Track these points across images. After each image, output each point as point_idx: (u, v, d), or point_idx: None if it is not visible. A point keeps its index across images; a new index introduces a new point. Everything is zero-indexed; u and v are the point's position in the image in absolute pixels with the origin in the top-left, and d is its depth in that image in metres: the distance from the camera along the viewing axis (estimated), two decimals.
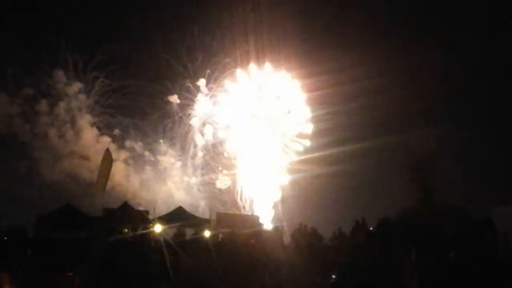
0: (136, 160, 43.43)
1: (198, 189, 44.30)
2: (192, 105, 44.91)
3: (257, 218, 35.47)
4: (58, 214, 31.03)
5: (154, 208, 33.49)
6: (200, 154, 44.67)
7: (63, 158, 41.58)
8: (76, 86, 42.82)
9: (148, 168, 43.66)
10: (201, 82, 44.75)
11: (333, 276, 29.24)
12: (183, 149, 44.82)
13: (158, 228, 31.50)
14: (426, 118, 40.63)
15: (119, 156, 42.96)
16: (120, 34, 42.05)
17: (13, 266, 25.61)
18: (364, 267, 26.02)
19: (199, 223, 33.15)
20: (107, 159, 29.72)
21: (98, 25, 41.61)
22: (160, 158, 44.25)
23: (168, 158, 44.44)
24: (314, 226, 33.47)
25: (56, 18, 40.94)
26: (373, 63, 41.66)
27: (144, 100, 43.89)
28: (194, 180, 44.55)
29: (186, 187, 44.21)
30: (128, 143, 43.65)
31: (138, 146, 43.70)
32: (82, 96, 43.14)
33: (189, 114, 44.84)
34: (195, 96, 44.82)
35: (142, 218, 32.13)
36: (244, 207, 42.79)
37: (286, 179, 43.94)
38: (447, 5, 43.45)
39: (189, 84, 44.57)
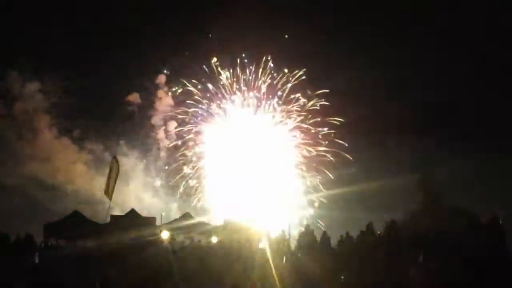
0: (97, 162, 41.91)
1: (165, 193, 43.37)
2: (153, 104, 43.84)
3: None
4: (66, 222, 31.12)
5: (161, 215, 33.62)
6: (163, 154, 43.69)
7: (22, 161, 40.58)
8: (32, 86, 41.58)
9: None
10: (161, 79, 43.59)
11: (342, 277, 29.22)
12: (146, 150, 43.78)
13: (165, 234, 31.55)
14: None
15: (80, 158, 42.28)
16: (73, 33, 41.81)
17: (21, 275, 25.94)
18: (372, 271, 26.06)
19: (206, 229, 33.21)
20: (115, 166, 29.67)
21: (50, 24, 41.19)
22: (121, 159, 42.87)
23: (130, 159, 43.17)
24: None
25: (6, 17, 40.35)
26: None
27: (102, 101, 42.98)
28: (158, 182, 43.65)
29: (151, 189, 43.22)
30: (88, 145, 42.55)
31: (98, 147, 42.36)
32: (40, 97, 42.02)
33: (151, 115, 43.85)
34: (155, 94, 43.73)
35: (149, 224, 32.23)
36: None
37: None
38: None
39: (148, 83, 43.45)
